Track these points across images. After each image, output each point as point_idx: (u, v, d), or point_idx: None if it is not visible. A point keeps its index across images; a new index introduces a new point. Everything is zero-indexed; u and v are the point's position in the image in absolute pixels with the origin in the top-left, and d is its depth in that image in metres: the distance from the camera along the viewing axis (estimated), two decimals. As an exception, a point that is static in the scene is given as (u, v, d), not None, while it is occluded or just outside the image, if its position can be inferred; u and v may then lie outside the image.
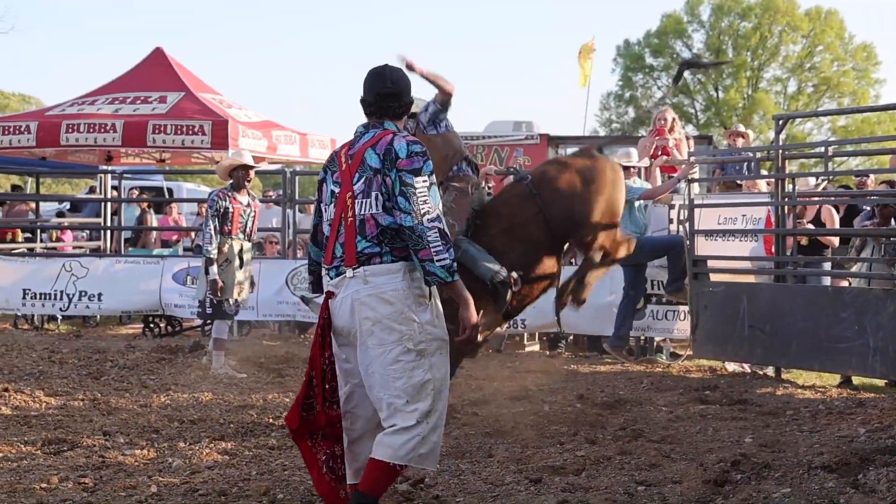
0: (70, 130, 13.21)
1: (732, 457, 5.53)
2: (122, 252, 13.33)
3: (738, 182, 10.61)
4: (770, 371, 9.01)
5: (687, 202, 9.51)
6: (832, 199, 9.94)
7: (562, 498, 4.88)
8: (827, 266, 9.30)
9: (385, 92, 4.21)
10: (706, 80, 43.78)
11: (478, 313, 4.38)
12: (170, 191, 20.28)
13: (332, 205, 4.20)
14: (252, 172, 9.10)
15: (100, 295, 11.78)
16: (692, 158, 9.94)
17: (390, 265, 4.05)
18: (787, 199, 8.93)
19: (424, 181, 4.04)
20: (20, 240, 15.33)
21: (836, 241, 9.62)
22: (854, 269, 9.07)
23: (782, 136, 9.50)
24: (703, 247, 9.53)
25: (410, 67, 6.00)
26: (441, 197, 4.36)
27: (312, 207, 6.37)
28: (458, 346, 4.41)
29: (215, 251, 8.76)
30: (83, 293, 11.78)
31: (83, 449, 6.01)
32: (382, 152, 4.07)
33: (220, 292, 8.76)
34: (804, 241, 9.35)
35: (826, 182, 10.14)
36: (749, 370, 9.25)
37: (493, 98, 75.23)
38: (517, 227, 6.60)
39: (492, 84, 76.55)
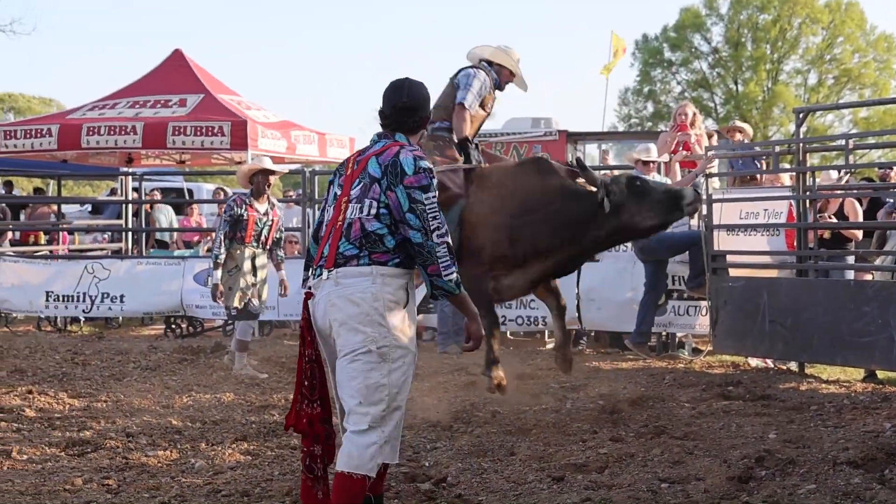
0: (91, 133, 13.35)
1: (756, 453, 5.48)
2: (144, 253, 13.41)
3: (754, 175, 10.52)
4: (793, 366, 8.93)
5: (705, 197, 9.44)
6: (854, 192, 9.85)
7: (585, 496, 4.87)
8: (850, 260, 9.22)
9: (401, 106, 4.23)
10: (725, 74, 43.56)
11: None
12: (190, 192, 20.39)
13: (332, 207, 4.24)
14: (272, 178, 8.91)
15: (122, 297, 11.84)
16: (710, 153, 9.87)
17: (362, 268, 4.04)
18: (808, 193, 8.86)
19: (432, 197, 4.07)
20: (42, 242, 15.45)
21: (859, 234, 9.52)
22: (877, 262, 8.97)
23: (803, 129, 9.42)
24: (724, 242, 9.46)
25: None
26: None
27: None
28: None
29: (222, 256, 8.68)
30: (105, 295, 11.84)
31: (106, 450, 6.04)
32: (385, 164, 4.10)
33: (219, 297, 8.74)
34: (826, 234, 9.27)
35: (848, 175, 10.04)
36: (772, 365, 9.19)
37: (512, 95, 75.15)
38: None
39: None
